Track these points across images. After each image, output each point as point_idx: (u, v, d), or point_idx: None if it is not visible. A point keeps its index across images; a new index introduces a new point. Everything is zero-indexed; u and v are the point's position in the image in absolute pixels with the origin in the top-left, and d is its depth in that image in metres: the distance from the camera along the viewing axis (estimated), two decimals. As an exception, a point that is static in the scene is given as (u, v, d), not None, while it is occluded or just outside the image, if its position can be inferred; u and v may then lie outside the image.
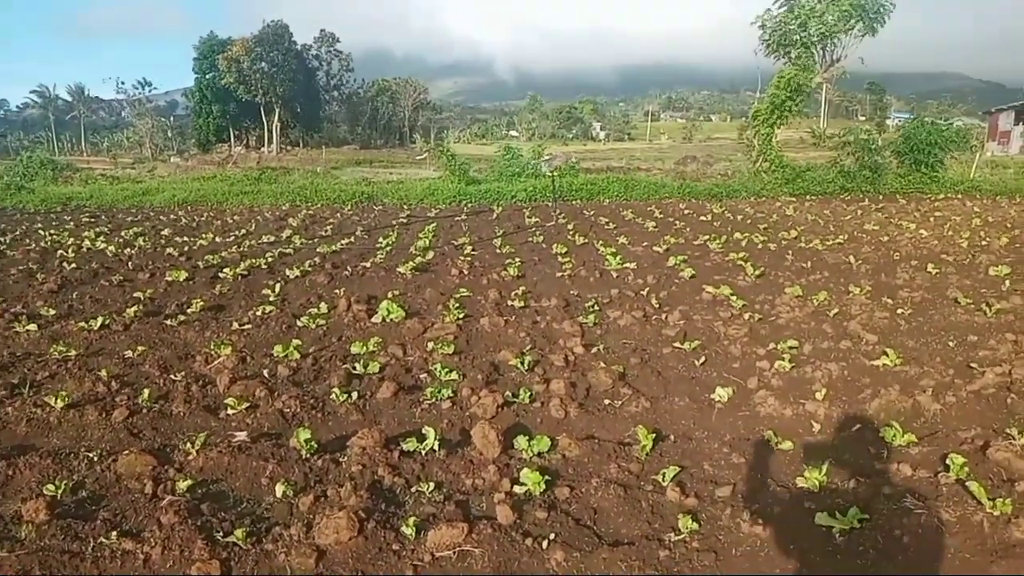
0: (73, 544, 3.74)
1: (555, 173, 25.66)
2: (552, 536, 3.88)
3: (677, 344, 7.49)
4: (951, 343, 7.38)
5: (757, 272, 10.99)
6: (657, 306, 9.19)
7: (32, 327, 7.98)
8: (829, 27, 26.02)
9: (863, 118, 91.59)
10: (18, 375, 6.50)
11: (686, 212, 21.25)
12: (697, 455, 5.00)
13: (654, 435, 5.09)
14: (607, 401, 6.01)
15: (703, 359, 7.03)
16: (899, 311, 8.57)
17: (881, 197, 25.42)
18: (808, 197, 25.81)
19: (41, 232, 17.12)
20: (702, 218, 19.56)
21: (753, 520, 4.02)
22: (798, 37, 26.61)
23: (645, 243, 14.59)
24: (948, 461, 4.48)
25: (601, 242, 14.81)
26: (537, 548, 3.78)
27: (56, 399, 5.64)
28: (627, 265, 11.91)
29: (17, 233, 16.93)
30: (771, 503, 4.29)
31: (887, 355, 6.66)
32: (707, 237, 14.97)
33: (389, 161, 58.13)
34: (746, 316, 8.48)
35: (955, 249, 13.35)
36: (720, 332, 7.98)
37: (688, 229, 17.00)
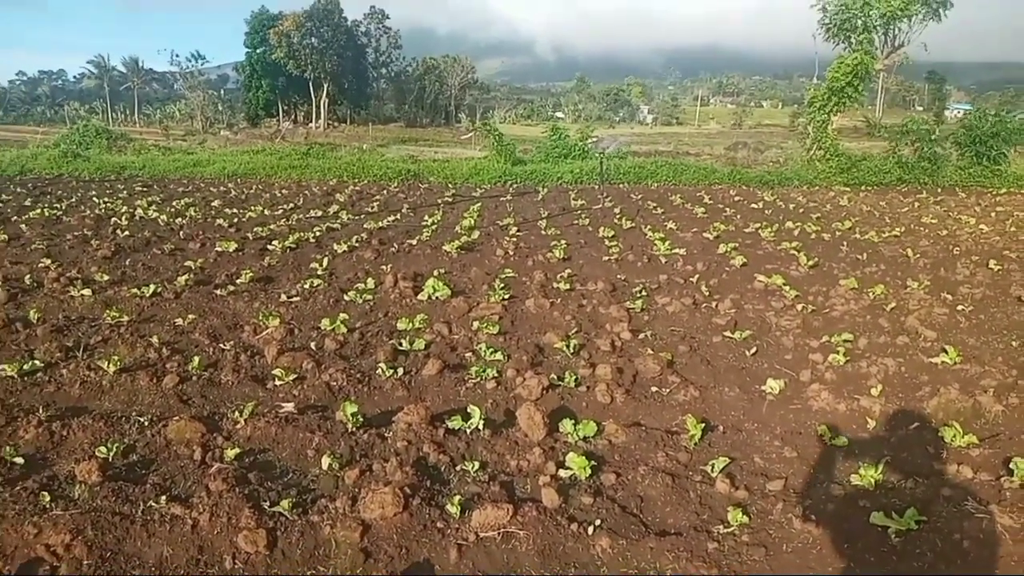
0: (124, 506, 3.79)
1: (603, 156, 25.37)
2: (598, 522, 3.81)
3: (727, 333, 7.34)
4: (1014, 342, 7.09)
5: (810, 262, 10.71)
6: (707, 294, 9.01)
7: (87, 292, 8.15)
8: (894, 10, 25.15)
9: (921, 108, 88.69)
10: (72, 338, 6.65)
11: (736, 199, 20.85)
12: (747, 447, 4.89)
13: (703, 425, 4.98)
14: (655, 388, 5.91)
15: (754, 349, 6.87)
16: (959, 308, 8.26)
17: (940, 190, 24.56)
18: (863, 187, 25.10)
19: (96, 200, 17.50)
20: (753, 205, 19.16)
21: (805, 516, 3.91)
22: (860, 21, 25.78)
23: (694, 229, 14.35)
24: (1012, 465, 4.29)
25: (649, 227, 14.60)
26: (582, 533, 3.72)
27: (109, 363, 5.74)
28: (676, 251, 11.71)
29: (73, 200, 17.34)
30: (824, 499, 4.17)
31: (946, 352, 6.42)
32: (758, 225, 14.65)
33: (435, 140, 58.31)
34: (799, 307, 8.27)
35: (1018, 246, 12.85)
36: (772, 322, 7.79)
37: (739, 216, 16.67)
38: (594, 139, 31.34)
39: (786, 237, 13.32)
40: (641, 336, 7.27)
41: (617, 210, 17.62)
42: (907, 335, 7.23)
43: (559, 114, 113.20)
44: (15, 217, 14.13)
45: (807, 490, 4.28)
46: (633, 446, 4.82)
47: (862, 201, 20.73)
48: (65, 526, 3.54)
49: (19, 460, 4.24)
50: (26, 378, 5.62)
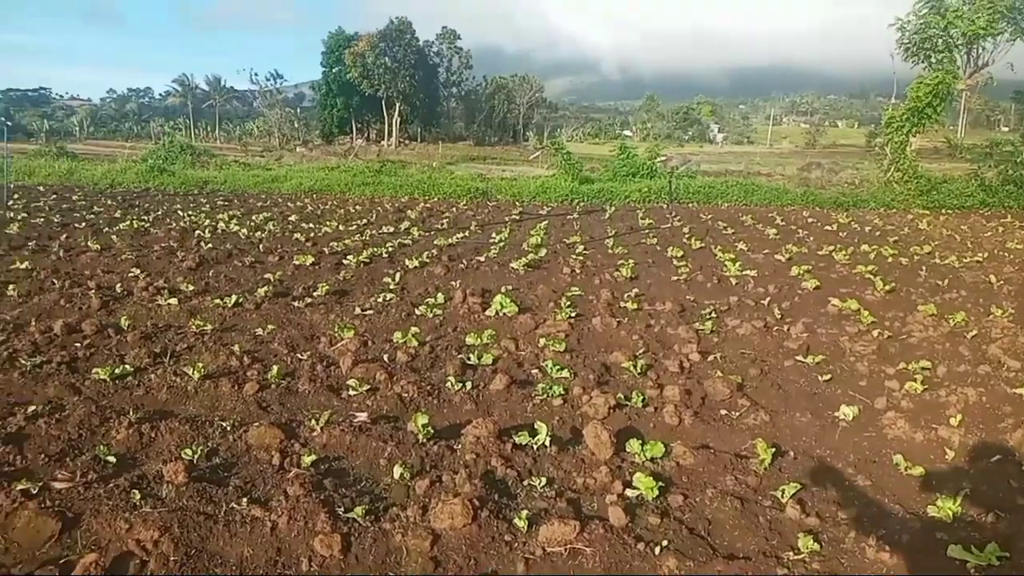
0: (208, 507, 3.98)
1: (671, 175, 25.20)
2: (665, 543, 3.81)
3: (800, 357, 7.21)
4: (1109, 376, 6.74)
5: (887, 287, 10.41)
6: (779, 317, 8.86)
7: (173, 301, 8.57)
8: (976, 29, 24.30)
9: (1006, 128, 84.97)
10: (160, 345, 6.99)
11: (810, 220, 20.41)
12: (819, 474, 4.80)
13: (773, 450, 4.92)
14: (724, 411, 5.86)
15: (827, 375, 6.72)
16: (1047, 337, 7.90)
17: (1027, 214, 23.51)
18: (943, 211, 24.19)
19: (180, 213, 18.34)
20: (827, 228, 18.72)
21: (879, 546, 3.82)
22: (941, 40, 25.00)
23: (766, 251, 14.11)
24: (1105, 504, 4.11)
25: (719, 247, 14.43)
26: (649, 553, 3.73)
27: (193, 370, 6.04)
28: (747, 272, 11.55)
29: (159, 213, 18.22)
30: (899, 530, 4.06)
31: (1032, 383, 6.17)
32: (832, 248, 14.32)
33: (502, 158, 58.83)
34: (875, 333, 8.06)
35: (1114, 274, 12.19)
36: (846, 348, 7.61)
37: (811, 238, 16.32)
38: (663, 158, 31.17)
39: (861, 260, 12.98)
40: (710, 358, 7.20)
41: (686, 230, 17.47)
42: (989, 364, 6.96)
43: (627, 133, 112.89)
44: (106, 228, 14.93)
45: (881, 519, 4.18)
46: (701, 468, 4.79)
47: (942, 225, 20.01)
48: (154, 523, 3.74)
49: (111, 459, 4.49)
50: (117, 382, 5.95)
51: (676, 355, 7.20)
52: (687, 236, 16.24)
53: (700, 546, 3.86)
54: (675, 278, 11.28)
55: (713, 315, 8.89)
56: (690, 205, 24.71)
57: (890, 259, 13.42)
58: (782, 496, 4.36)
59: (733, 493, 4.42)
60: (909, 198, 25.15)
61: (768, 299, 9.80)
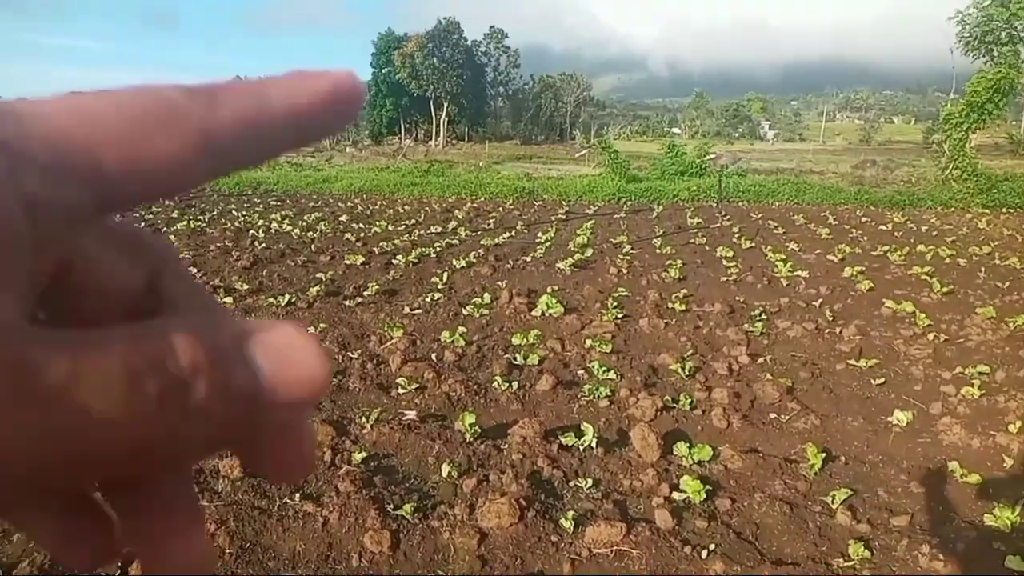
0: (262, 501, 4.11)
1: (721, 173, 24.88)
2: (712, 547, 3.81)
3: (852, 361, 7.07)
4: None
5: (944, 289, 10.12)
6: (831, 319, 8.70)
7: (229, 299, 8.81)
8: (1044, 21, 23.45)
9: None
10: (217, 342, 7.20)
11: (863, 220, 19.94)
12: (871, 480, 4.72)
13: (824, 454, 4.85)
14: (773, 415, 5.79)
15: (881, 379, 6.59)
16: (1115, 342, 7.61)
17: (1096, 213, 22.54)
18: (1004, 210, 23.35)
19: (235, 213, 18.80)
20: (881, 227, 18.27)
21: (933, 555, 3.76)
22: (1005, 33, 24.14)
23: (818, 251, 13.85)
24: None
25: (769, 247, 14.21)
26: (696, 557, 3.73)
27: (249, 367, 6.20)
28: (798, 273, 11.36)
29: (215, 213, 18.70)
30: (954, 539, 3.99)
31: (1098, 390, 5.96)
32: (887, 248, 13.97)
33: (549, 157, 58.82)
34: (930, 336, 7.85)
35: None
36: (900, 351, 7.44)
37: (865, 238, 15.94)
38: (712, 155, 30.79)
39: (917, 261, 12.64)
40: (760, 360, 7.12)
41: (736, 229, 17.24)
42: (1052, 370, 6.74)
43: (675, 130, 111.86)
44: (164, 228, 15.41)
45: (935, 528, 4.10)
46: (749, 472, 4.76)
47: (1003, 224, 19.33)
48: (210, 516, 3.88)
49: (172, 453, 4.66)
50: (177, 377, 6.16)
51: (725, 357, 7.13)
52: (737, 236, 16.02)
53: (747, 551, 3.84)
54: (724, 279, 11.16)
55: (763, 317, 8.77)
56: (740, 204, 24.34)
57: (947, 260, 13.04)
58: (832, 502, 4.30)
59: (782, 498, 4.38)
60: (968, 197, 24.32)
61: (820, 300, 9.63)
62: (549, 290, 9.78)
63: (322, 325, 7.85)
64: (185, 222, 16.20)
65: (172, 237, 14.03)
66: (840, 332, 8.10)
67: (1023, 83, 25.92)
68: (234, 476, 4.32)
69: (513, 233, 16.35)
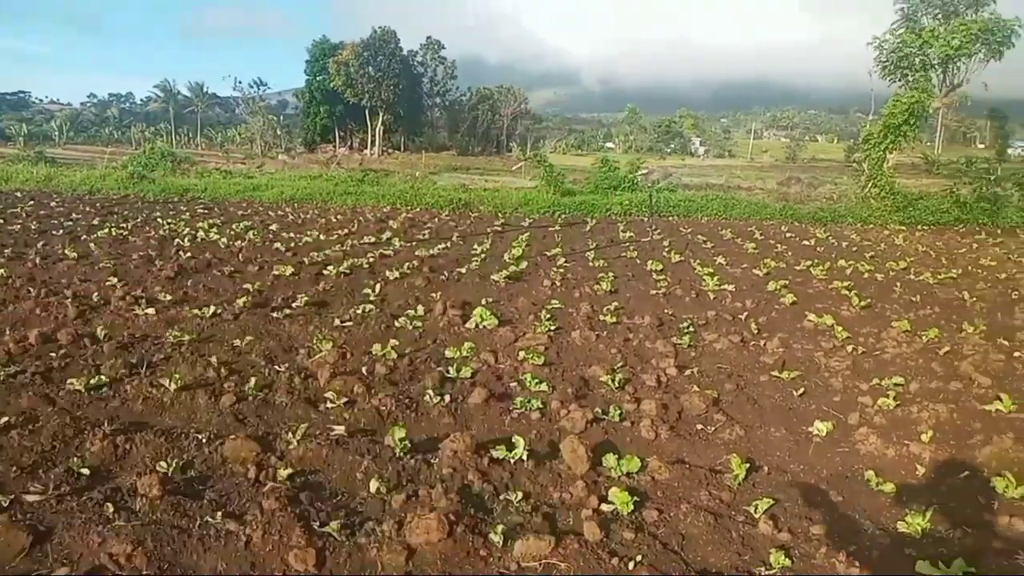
0: (182, 520, 3.96)
1: (652, 188, 25.38)
2: (639, 558, 3.84)
3: (775, 373, 7.29)
4: (1076, 393, 6.88)
5: (862, 303, 10.55)
6: (755, 331, 8.96)
7: (151, 311, 8.51)
8: (953, 50, 24.79)
9: (982, 145, 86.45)
10: (136, 355, 6.94)
11: (788, 235, 20.66)
12: (791, 489, 4.86)
13: (747, 465, 4.98)
14: (699, 426, 5.92)
15: (802, 390, 6.81)
16: (1016, 354, 8.04)
17: (1000, 231, 23.82)
18: (919, 226, 24.55)
19: (160, 221, 18.19)
20: (805, 242, 18.96)
21: (849, 561, 3.88)
22: (918, 59, 25.46)
23: (744, 265, 14.27)
24: (1068, 520, 4.19)
25: (698, 261, 14.57)
26: (623, 568, 3.76)
27: (170, 381, 6.00)
28: (725, 287, 11.67)
29: (138, 220, 18.07)
30: (869, 545, 4.14)
31: (1001, 400, 6.26)
32: (810, 263, 14.51)
33: (486, 168, 58.96)
34: (849, 348, 8.17)
35: (1084, 291, 12.44)
36: (821, 363, 7.72)
37: (790, 253, 16.51)
38: (644, 171, 31.39)
39: (838, 276, 13.15)
40: (687, 372, 7.27)
41: (666, 243, 17.62)
42: (961, 381, 7.08)
43: (610, 145, 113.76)
44: (84, 236, 14.80)
45: (852, 535, 4.25)
46: (676, 483, 4.84)
47: (918, 241, 20.32)
48: (127, 536, 3.71)
49: (85, 471, 4.45)
50: (92, 392, 5.90)
51: (654, 369, 7.26)
52: (667, 250, 16.37)
53: (674, 561, 3.90)
54: (654, 292, 11.37)
55: (691, 329, 8.97)
56: (670, 218, 24.90)
57: (866, 275, 13.61)
58: (755, 511, 4.41)
59: (707, 508, 4.47)
60: (886, 214, 25.51)
61: (745, 314, 9.91)
62: (484, 302, 9.78)
63: (249, 338, 7.65)
64: (107, 229, 15.60)
65: (92, 245, 13.48)
66: (764, 344, 8.34)
67: (935, 107, 27.35)
68: (153, 494, 4.15)
69: (448, 244, 16.30)
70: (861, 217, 25.50)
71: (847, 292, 11.44)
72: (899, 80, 26.54)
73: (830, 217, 25.55)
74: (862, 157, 28.62)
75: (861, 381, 7.09)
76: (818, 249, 17.65)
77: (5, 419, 5.15)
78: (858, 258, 15.76)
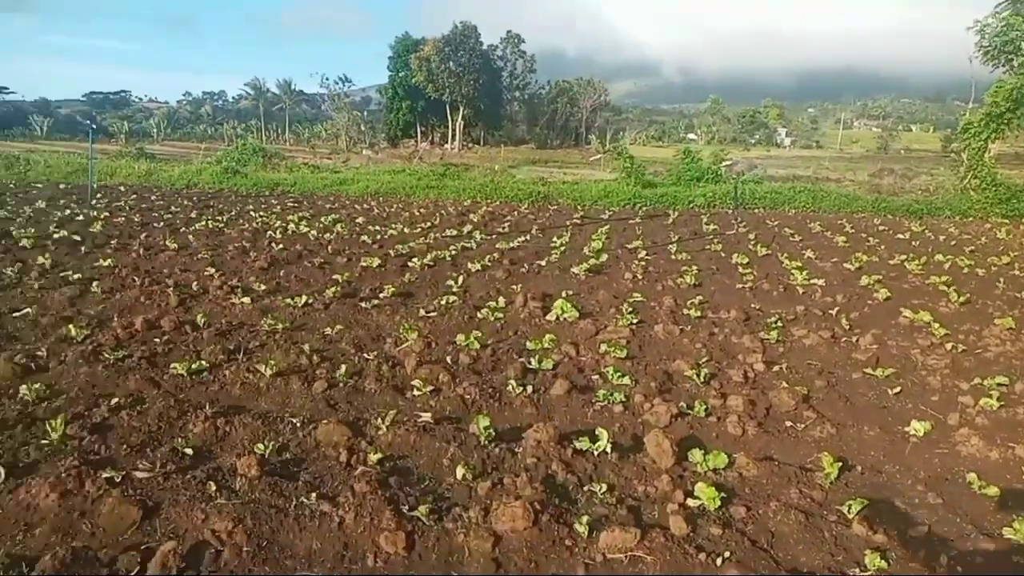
0: (279, 500, 4.13)
1: (737, 179, 24.79)
2: (727, 554, 3.80)
3: (868, 370, 7.03)
4: None
5: (962, 299, 10.05)
6: (847, 327, 8.66)
7: (246, 300, 8.88)
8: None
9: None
10: (234, 342, 7.26)
11: (881, 228, 19.82)
12: (887, 490, 4.70)
13: (840, 464, 4.83)
14: (788, 423, 5.78)
15: (898, 388, 6.55)
16: None
17: (1117, 224, 22.24)
18: (1024, 220, 23.14)
19: (253, 214, 18.92)
20: (899, 236, 18.16)
21: (951, 567, 3.72)
22: None
23: (834, 259, 13.77)
24: None
25: (786, 255, 14.15)
26: (710, 564, 3.72)
27: (266, 367, 6.25)
28: (814, 281, 11.31)
29: (233, 213, 18.83)
30: (972, 551, 3.96)
31: (1119, 404, 5.89)
32: (904, 257, 13.89)
33: (564, 161, 58.83)
34: (948, 346, 7.80)
35: None
36: (918, 361, 7.40)
37: (883, 247, 15.85)
38: (728, 162, 30.69)
39: (935, 271, 12.55)
40: (775, 368, 7.10)
41: (752, 236, 17.18)
42: (1073, 382, 6.67)
43: (692, 136, 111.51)
44: (183, 228, 15.53)
45: (953, 540, 4.07)
46: (765, 480, 4.75)
47: (1022, 235, 19.16)
48: (228, 514, 3.90)
49: (189, 451, 4.70)
50: (194, 376, 6.20)
51: (740, 364, 7.12)
52: (753, 243, 15.97)
53: (762, 559, 3.83)
54: (740, 286, 11.12)
55: (779, 324, 8.74)
56: (756, 211, 24.26)
57: (966, 270, 12.93)
58: (848, 511, 4.28)
59: (797, 506, 4.36)
60: (987, 206, 24.12)
61: (836, 309, 9.58)
62: (564, 294, 9.79)
63: (338, 326, 7.89)
64: (204, 222, 16.33)
65: (191, 237, 14.14)
66: (857, 341, 8.05)
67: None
68: (252, 475, 4.35)
69: (528, 237, 16.36)
70: (960, 210, 24.21)
71: (945, 288, 10.91)
72: (1003, 65, 25.01)
73: (926, 210, 24.36)
74: (961, 147, 27.11)
75: (961, 380, 6.77)
76: (913, 243, 16.88)
77: (115, 400, 5.48)
78: (957, 252, 14.99)
